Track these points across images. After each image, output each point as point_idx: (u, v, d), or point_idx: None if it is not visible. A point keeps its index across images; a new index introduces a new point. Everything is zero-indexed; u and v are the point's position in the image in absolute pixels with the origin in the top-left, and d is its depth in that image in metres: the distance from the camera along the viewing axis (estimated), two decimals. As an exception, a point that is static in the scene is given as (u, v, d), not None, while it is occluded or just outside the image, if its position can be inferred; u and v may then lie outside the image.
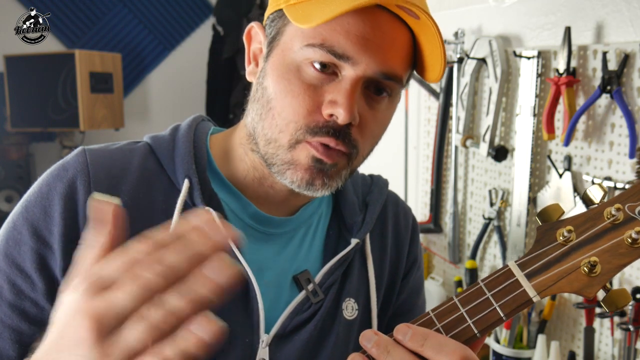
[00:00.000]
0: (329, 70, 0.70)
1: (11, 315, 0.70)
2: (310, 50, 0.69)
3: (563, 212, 0.61)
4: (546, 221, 0.60)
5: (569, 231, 0.58)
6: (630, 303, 1.21)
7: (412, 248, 0.93)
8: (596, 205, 0.60)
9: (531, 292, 0.57)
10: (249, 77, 0.79)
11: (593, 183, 1.33)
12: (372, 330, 0.58)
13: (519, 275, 0.58)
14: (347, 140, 0.71)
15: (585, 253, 0.57)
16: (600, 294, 0.58)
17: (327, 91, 0.70)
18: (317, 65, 0.70)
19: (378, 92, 0.73)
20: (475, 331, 0.57)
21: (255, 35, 0.79)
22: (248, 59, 0.79)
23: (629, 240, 0.57)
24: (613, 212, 0.58)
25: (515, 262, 0.59)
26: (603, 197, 0.59)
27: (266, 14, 0.77)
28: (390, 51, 0.70)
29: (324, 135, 0.70)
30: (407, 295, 0.92)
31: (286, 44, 0.72)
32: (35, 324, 0.71)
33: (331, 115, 0.70)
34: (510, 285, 0.58)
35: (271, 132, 0.73)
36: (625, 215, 0.58)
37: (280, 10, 0.73)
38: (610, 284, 0.57)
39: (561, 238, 0.58)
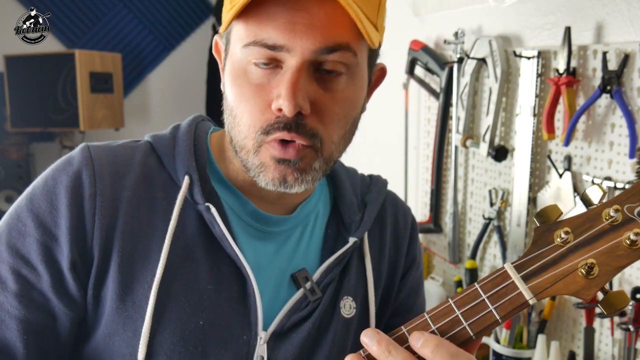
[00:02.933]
0: (272, 64, 0.69)
1: (18, 306, 0.70)
2: (248, 50, 0.69)
3: (561, 213, 0.60)
4: (544, 222, 0.60)
5: (567, 232, 0.58)
6: (630, 303, 1.21)
7: (410, 248, 0.93)
8: (595, 206, 0.59)
9: (527, 295, 0.56)
10: (222, 89, 0.79)
11: (593, 183, 1.33)
12: (374, 329, 0.58)
13: (515, 277, 0.57)
14: (303, 131, 0.70)
15: (582, 255, 0.57)
16: (600, 295, 0.57)
17: (274, 86, 0.69)
18: (260, 63, 0.70)
19: (331, 71, 0.71)
20: (471, 334, 0.57)
21: (221, 49, 0.79)
22: (222, 71, 0.79)
23: (628, 241, 0.56)
24: (611, 213, 0.57)
25: (512, 263, 0.58)
26: (602, 198, 0.58)
27: None
28: (323, 25, 0.67)
29: (277, 131, 0.70)
30: (406, 295, 0.92)
31: (232, 50, 0.73)
32: (43, 315, 0.71)
33: (280, 109, 0.69)
34: (507, 287, 0.57)
35: (240, 139, 0.73)
36: (624, 216, 0.58)
37: None
38: (610, 284, 0.56)
39: (558, 240, 0.58)
